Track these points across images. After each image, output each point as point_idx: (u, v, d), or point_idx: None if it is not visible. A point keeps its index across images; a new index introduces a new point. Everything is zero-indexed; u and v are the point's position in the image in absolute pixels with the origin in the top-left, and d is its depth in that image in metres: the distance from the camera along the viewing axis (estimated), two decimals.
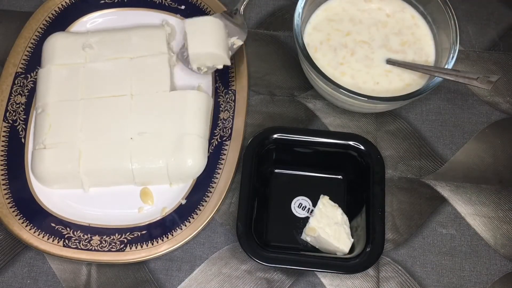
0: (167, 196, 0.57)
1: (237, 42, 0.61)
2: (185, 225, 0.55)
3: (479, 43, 0.65)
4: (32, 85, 0.62)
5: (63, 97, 0.59)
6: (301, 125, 0.62)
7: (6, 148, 0.58)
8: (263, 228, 0.56)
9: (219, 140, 0.59)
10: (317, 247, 0.55)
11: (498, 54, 0.65)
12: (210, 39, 0.59)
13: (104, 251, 0.54)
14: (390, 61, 0.59)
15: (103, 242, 0.55)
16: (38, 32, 0.64)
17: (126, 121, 0.58)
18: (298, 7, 0.57)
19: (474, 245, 0.56)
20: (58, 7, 0.65)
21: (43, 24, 0.64)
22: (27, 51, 0.63)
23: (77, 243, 0.55)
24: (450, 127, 0.61)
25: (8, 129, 0.59)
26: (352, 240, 0.54)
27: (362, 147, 0.55)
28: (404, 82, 0.58)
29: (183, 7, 0.65)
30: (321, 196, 0.55)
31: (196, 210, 0.56)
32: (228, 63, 0.60)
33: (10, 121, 0.60)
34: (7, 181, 0.57)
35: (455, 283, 0.55)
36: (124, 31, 0.63)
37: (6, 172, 0.57)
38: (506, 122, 0.61)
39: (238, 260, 0.56)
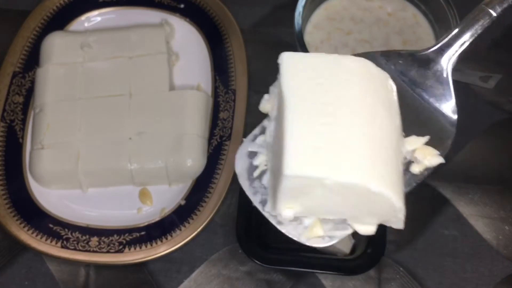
0: (166, 197, 0.57)
1: (429, 158, 0.34)
2: (185, 226, 0.55)
3: (481, 42, 0.65)
4: (30, 85, 0.61)
5: (62, 97, 0.59)
6: None
7: (4, 149, 0.58)
8: (263, 229, 0.56)
9: (218, 140, 0.58)
10: (317, 248, 0.55)
11: (500, 53, 0.64)
12: None
13: (102, 252, 0.54)
14: None
15: (102, 243, 0.54)
16: (36, 31, 0.63)
17: (125, 121, 0.58)
18: (299, 5, 0.57)
19: (476, 246, 0.56)
20: (56, 6, 0.64)
21: (41, 23, 0.64)
22: (25, 50, 0.62)
23: (75, 244, 0.54)
24: None
25: (6, 129, 0.59)
26: (353, 241, 0.53)
27: None
28: None
29: (182, 5, 0.65)
30: None
31: (195, 211, 0.55)
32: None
33: (8, 121, 0.59)
34: (5, 182, 0.57)
35: (457, 284, 0.54)
36: (123, 30, 0.62)
37: (4, 172, 0.57)
38: (508, 122, 0.61)
39: (238, 261, 0.55)
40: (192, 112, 0.58)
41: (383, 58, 0.38)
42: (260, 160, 0.37)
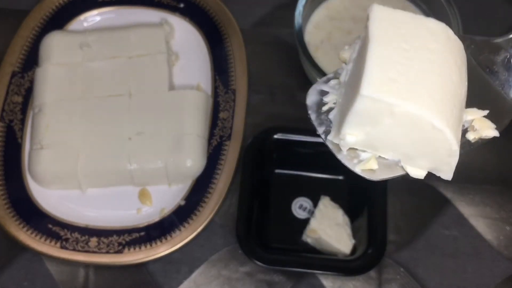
0: (166, 197, 0.57)
1: (486, 129, 0.37)
2: (184, 227, 0.55)
3: None
4: (29, 85, 0.61)
5: (61, 97, 0.59)
6: (301, 125, 0.61)
7: (3, 149, 0.58)
8: (263, 229, 0.56)
9: (218, 140, 0.58)
10: (318, 248, 0.55)
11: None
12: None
13: (102, 252, 0.54)
14: None
15: (101, 243, 0.54)
16: (35, 30, 0.63)
17: (124, 120, 0.57)
18: (299, 5, 0.57)
19: (477, 247, 0.56)
20: (55, 5, 0.64)
21: (40, 23, 0.63)
22: (24, 50, 0.62)
23: (75, 245, 0.54)
24: None
25: (5, 129, 0.59)
26: (354, 241, 0.53)
27: None
28: None
29: (182, 5, 0.65)
30: (322, 197, 0.55)
31: (195, 211, 0.55)
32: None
33: (7, 121, 0.59)
34: (4, 182, 0.56)
35: (458, 285, 0.54)
36: (123, 30, 0.62)
37: (3, 173, 0.57)
38: (509, 122, 0.61)
39: (238, 262, 0.55)
40: (192, 112, 0.58)
41: None
42: (331, 98, 0.40)
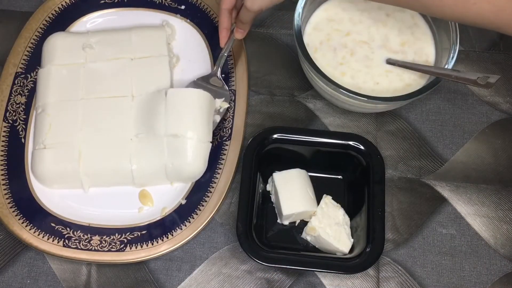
0: (167, 196, 0.57)
1: (224, 104, 0.59)
2: (185, 225, 0.55)
3: (479, 43, 0.65)
4: (32, 85, 0.62)
5: (63, 97, 0.59)
6: (301, 125, 0.62)
7: (6, 148, 0.58)
8: (263, 228, 0.56)
9: (219, 140, 0.59)
10: (317, 246, 0.55)
11: (498, 54, 0.65)
12: (301, 198, 0.55)
13: (104, 251, 0.54)
14: (390, 61, 0.59)
15: (103, 242, 0.55)
16: (38, 32, 0.64)
17: (126, 121, 0.58)
18: (298, 7, 0.57)
19: (474, 245, 0.56)
20: (58, 7, 0.65)
21: (43, 24, 0.64)
22: (27, 51, 0.63)
23: (77, 243, 0.55)
24: (450, 127, 0.61)
25: (8, 129, 0.59)
26: (352, 240, 0.54)
27: (362, 147, 0.55)
28: (404, 82, 0.58)
29: (183, 7, 0.65)
30: (324, 195, 0.55)
31: (196, 210, 0.56)
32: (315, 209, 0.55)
33: (10, 121, 0.60)
34: (7, 181, 0.57)
35: (455, 283, 0.55)
36: (125, 31, 0.63)
37: (6, 172, 0.57)
38: (506, 122, 0.61)
39: (238, 260, 0.56)
40: (194, 113, 0.56)
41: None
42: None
